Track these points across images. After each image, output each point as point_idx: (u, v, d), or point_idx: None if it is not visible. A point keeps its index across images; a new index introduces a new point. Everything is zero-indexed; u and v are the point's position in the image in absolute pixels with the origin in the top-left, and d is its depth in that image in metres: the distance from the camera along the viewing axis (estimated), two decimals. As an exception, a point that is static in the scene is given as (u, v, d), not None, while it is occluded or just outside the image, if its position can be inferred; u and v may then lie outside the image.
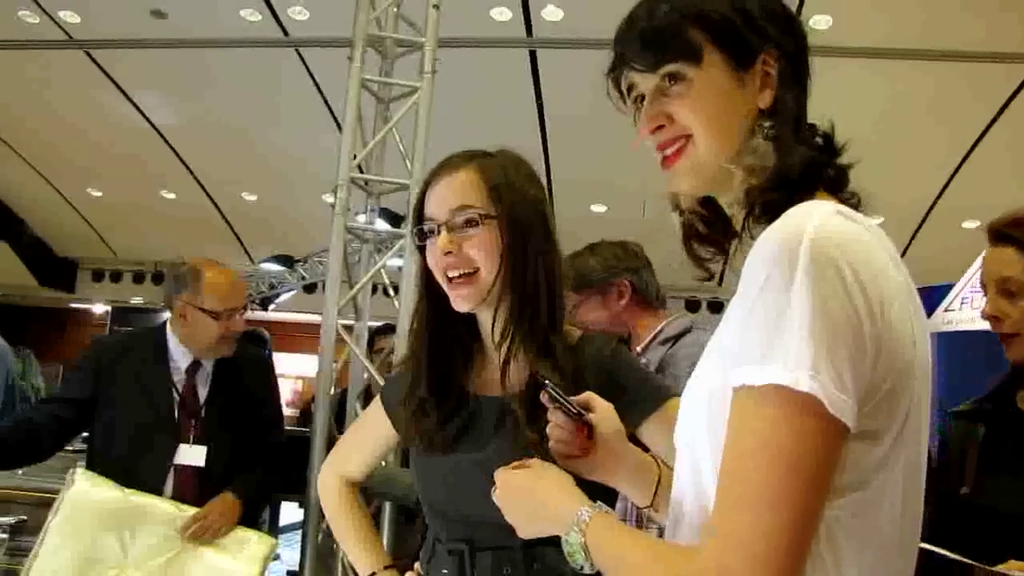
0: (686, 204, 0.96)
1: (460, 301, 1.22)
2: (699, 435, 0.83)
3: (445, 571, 1.24)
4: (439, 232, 1.20)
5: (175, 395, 2.36)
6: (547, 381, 1.03)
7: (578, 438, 1.04)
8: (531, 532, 0.96)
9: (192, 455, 2.31)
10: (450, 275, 1.21)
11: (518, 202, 1.22)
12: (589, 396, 1.06)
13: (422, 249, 1.25)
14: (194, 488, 2.30)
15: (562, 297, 1.28)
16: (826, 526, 0.73)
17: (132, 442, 2.29)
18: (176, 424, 2.33)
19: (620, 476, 1.06)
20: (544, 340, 1.22)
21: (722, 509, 0.71)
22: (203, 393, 2.40)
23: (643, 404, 1.10)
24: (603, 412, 1.06)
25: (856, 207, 0.87)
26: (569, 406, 1.02)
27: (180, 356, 2.41)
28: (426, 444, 1.27)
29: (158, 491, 2.26)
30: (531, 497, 0.97)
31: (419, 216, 1.25)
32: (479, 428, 1.26)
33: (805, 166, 0.84)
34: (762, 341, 0.72)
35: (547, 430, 1.05)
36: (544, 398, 1.02)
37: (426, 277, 1.27)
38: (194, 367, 2.41)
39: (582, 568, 0.85)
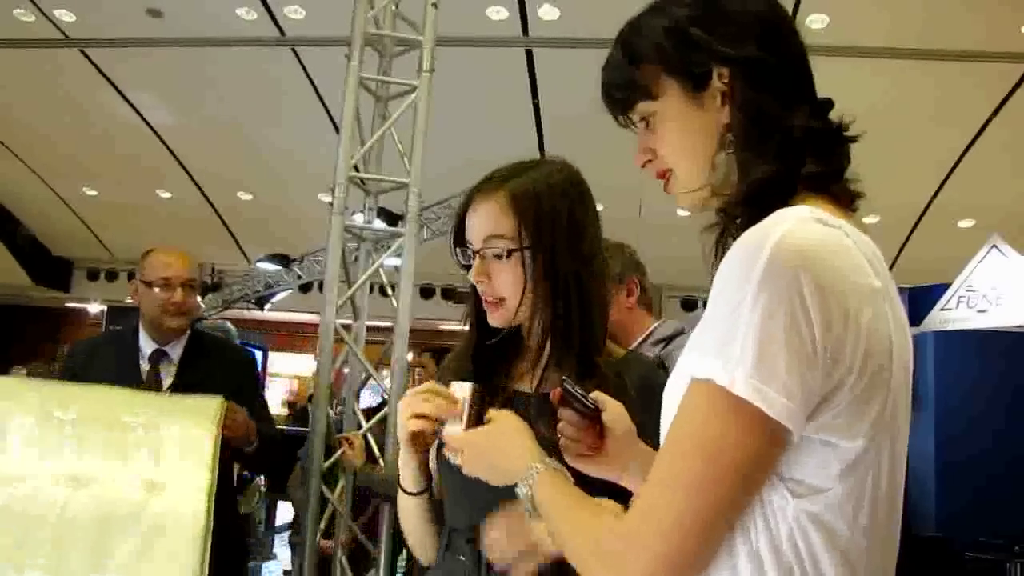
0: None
1: (493, 320, 1.28)
2: None
3: (462, 558, 1.27)
4: (474, 258, 1.26)
5: (139, 383, 2.34)
6: (564, 378, 1.06)
7: (588, 436, 1.06)
8: (497, 482, 1.03)
9: None
10: (485, 298, 1.28)
11: (545, 227, 1.24)
12: (598, 395, 1.08)
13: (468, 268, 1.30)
14: None
15: (603, 310, 1.31)
16: (799, 526, 0.75)
17: None
18: None
19: (629, 474, 1.08)
20: (582, 356, 1.26)
21: (648, 485, 0.77)
22: (167, 381, 2.38)
23: None
24: (614, 411, 1.08)
25: (851, 201, 0.87)
26: (584, 401, 1.04)
27: (145, 344, 2.42)
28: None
29: None
30: (489, 453, 1.04)
31: (460, 236, 1.29)
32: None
33: (768, 180, 0.84)
34: (714, 339, 0.75)
35: (558, 428, 1.07)
36: (555, 395, 1.05)
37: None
38: (157, 355, 2.40)
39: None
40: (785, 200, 0.83)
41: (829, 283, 0.74)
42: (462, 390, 1.13)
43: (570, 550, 0.86)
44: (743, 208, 0.84)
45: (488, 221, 1.24)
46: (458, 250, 1.29)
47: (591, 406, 1.04)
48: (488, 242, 1.24)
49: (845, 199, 0.87)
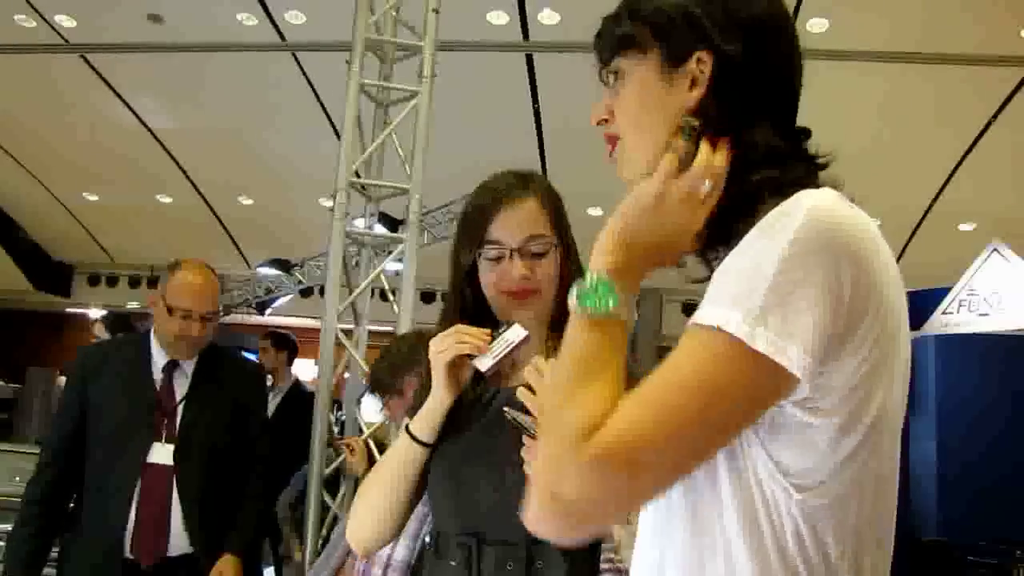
0: None
1: (522, 312, 1.33)
2: None
3: (453, 563, 1.27)
4: (511, 257, 1.33)
5: (152, 394, 2.35)
6: (506, 410, 1.10)
7: None
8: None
9: (161, 453, 2.28)
10: (515, 290, 1.33)
11: (568, 228, 1.39)
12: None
13: (471, 269, 1.36)
14: (162, 487, 2.26)
15: None
16: (804, 517, 0.75)
17: (110, 442, 2.28)
18: (153, 424, 2.31)
19: None
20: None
21: (630, 397, 0.73)
22: (180, 392, 2.38)
23: None
24: None
25: None
26: (527, 429, 1.05)
27: (158, 355, 2.40)
28: (441, 433, 1.32)
29: (128, 490, 2.23)
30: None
31: (479, 236, 1.34)
32: (492, 420, 1.30)
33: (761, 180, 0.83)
34: (731, 290, 0.74)
35: (522, 452, 1.08)
36: (510, 422, 1.08)
37: (464, 287, 1.37)
38: (171, 365, 2.39)
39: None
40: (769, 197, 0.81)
41: (861, 252, 0.75)
42: (516, 333, 1.20)
43: (551, 413, 0.77)
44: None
45: (528, 221, 1.34)
46: (480, 250, 1.34)
47: (533, 431, 1.04)
48: (529, 240, 1.33)
49: None
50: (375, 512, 1.32)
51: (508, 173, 1.40)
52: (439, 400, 1.28)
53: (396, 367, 2.23)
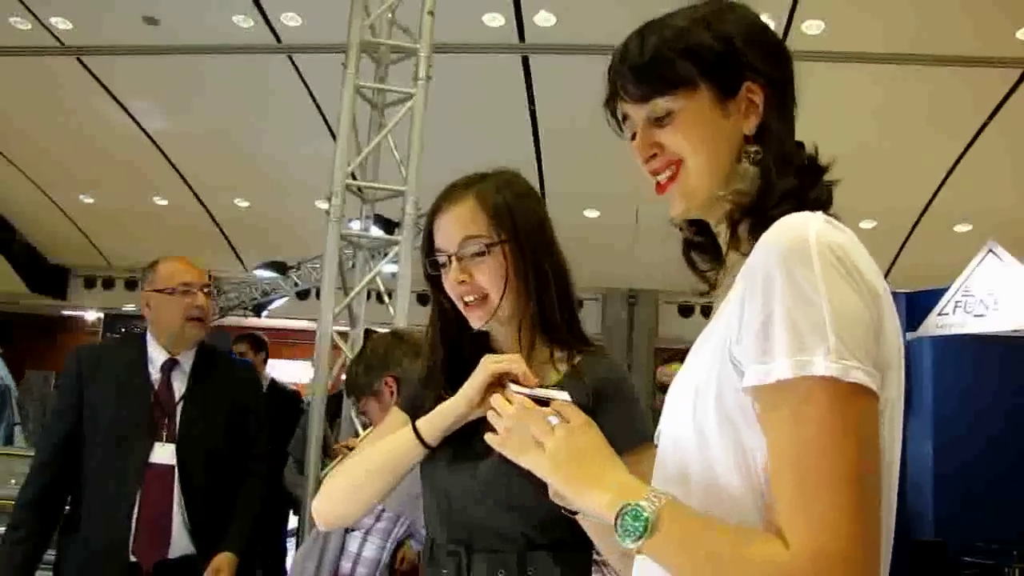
0: (677, 222, 1.03)
1: (474, 321, 1.30)
2: (684, 429, 0.87)
3: (445, 571, 1.27)
4: (450, 263, 1.29)
5: (151, 394, 2.34)
6: (511, 383, 1.11)
7: None
8: (575, 490, 0.92)
9: (163, 453, 2.28)
10: (465, 300, 1.30)
11: (519, 223, 1.31)
12: (562, 406, 1.04)
13: (436, 278, 1.33)
14: (164, 488, 2.25)
15: (572, 298, 1.36)
16: None
17: (111, 443, 2.26)
18: (153, 424, 2.30)
19: None
20: (571, 346, 1.32)
21: (796, 498, 0.73)
22: (179, 391, 2.37)
23: (615, 442, 1.03)
24: (576, 422, 1.05)
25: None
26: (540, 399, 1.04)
27: (156, 354, 2.39)
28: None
29: (131, 491, 2.22)
30: (579, 453, 0.94)
31: (429, 247, 1.33)
32: (483, 431, 1.26)
33: (787, 193, 0.89)
34: (790, 338, 0.75)
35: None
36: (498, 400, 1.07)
37: (438, 292, 1.35)
38: (169, 364, 2.39)
39: (626, 544, 0.80)
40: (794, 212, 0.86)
41: (868, 273, 0.80)
42: (560, 394, 1.05)
43: None
44: (754, 216, 0.89)
45: (461, 223, 1.29)
46: (429, 261, 1.33)
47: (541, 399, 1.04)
48: (464, 243, 1.28)
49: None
50: (356, 493, 1.31)
51: (462, 177, 1.36)
52: (459, 407, 1.25)
53: (371, 368, 2.20)
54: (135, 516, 2.20)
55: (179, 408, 2.34)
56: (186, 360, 2.41)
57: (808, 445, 0.73)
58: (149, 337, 2.42)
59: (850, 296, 0.76)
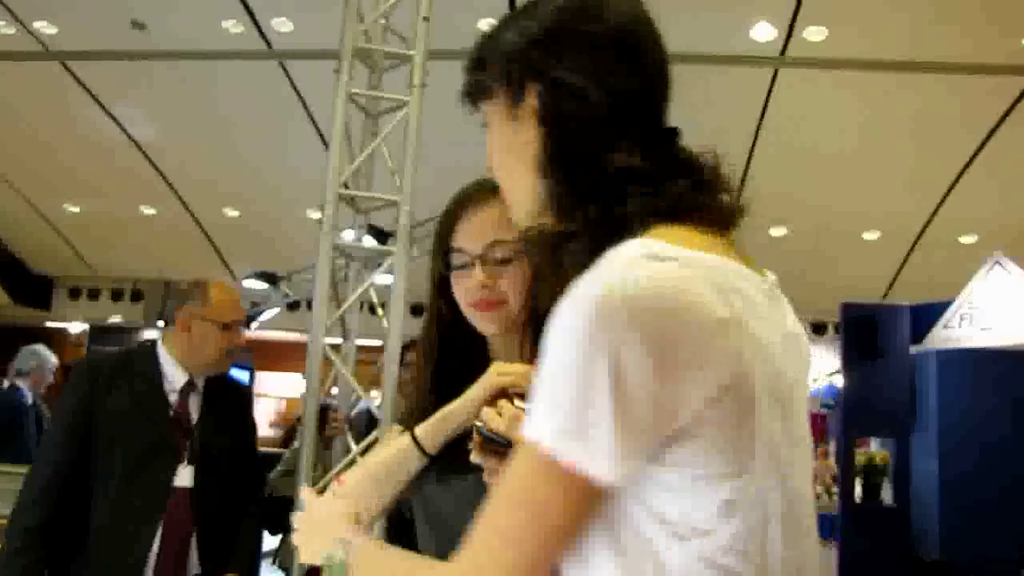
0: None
1: (488, 326, 1.28)
2: None
3: None
4: (473, 266, 1.26)
5: (170, 415, 2.30)
6: (477, 424, 1.08)
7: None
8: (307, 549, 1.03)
9: (184, 475, 2.27)
10: (481, 303, 1.26)
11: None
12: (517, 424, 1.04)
13: (443, 278, 1.30)
14: (184, 510, 2.23)
15: None
16: (695, 571, 0.72)
17: (132, 462, 2.20)
18: (174, 445, 2.28)
19: None
20: None
21: (472, 536, 0.77)
22: (195, 412, 2.35)
23: None
24: None
25: (727, 222, 0.82)
26: (499, 439, 1.04)
27: (175, 374, 2.33)
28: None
29: (155, 514, 2.18)
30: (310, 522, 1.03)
31: (445, 244, 1.29)
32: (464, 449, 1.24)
33: (593, 222, 0.79)
34: (543, 401, 0.73)
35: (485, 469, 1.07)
36: (477, 442, 1.05)
37: (437, 299, 1.32)
38: (188, 386, 2.35)
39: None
40: (620, 236, 0.77)
41: (660, 329, 0.70)
42: None
43: None
44: (573, 245, 0.81)
45: (491, 226, 1.26)
46: (443, 259, 1.30)
47: (505, 441, 1.02)
48: (492, 247, 1.26)
49: (717, 220, 0.80)
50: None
51: (482, 178, 1.30)
52: (460, 414, 1.21)
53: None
54: (158, 539, 2.15)
55: (195, 431, 2.32)
56: (199, 381, 2.38)
57: (499, 499, 0.76)
58: (162, 351, 2.35)
59: (603, 376, 0.69)
